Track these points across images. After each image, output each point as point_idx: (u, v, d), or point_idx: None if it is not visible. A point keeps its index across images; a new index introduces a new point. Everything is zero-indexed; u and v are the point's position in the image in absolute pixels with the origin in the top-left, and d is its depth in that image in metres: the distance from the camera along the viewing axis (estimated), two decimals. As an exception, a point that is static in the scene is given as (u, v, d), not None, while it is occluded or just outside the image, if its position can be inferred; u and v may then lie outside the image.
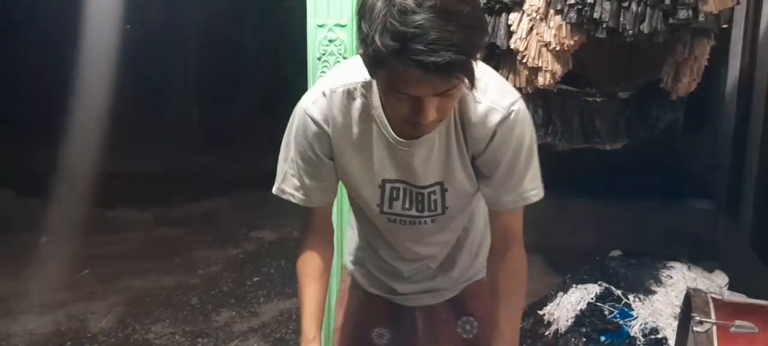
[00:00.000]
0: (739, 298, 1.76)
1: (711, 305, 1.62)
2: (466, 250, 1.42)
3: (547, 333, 2.31)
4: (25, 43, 4.98)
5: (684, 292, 1.73)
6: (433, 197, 1.24)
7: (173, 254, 3.57)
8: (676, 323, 1.84)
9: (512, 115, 1.16)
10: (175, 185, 4.31)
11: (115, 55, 4.53)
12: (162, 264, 3.43)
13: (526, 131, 1.19)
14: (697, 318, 1.56)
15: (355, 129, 1.20)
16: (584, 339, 2.19)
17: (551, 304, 2.41)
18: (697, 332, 1.53)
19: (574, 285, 2.42)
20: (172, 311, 3.00)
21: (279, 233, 3.84)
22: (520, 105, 1.18)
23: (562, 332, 2.26)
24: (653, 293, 2.30)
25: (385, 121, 1.18)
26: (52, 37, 4.59)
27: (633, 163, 3.25)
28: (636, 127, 2.44)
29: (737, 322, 1.53)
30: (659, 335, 2.15)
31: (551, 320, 2.34)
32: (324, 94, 1.19)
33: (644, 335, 2.16)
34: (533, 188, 1.23)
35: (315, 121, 1.19)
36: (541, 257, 3.05)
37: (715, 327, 1.53)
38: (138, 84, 4.83)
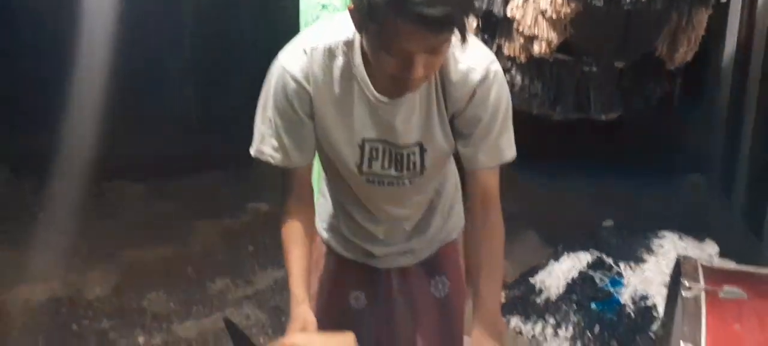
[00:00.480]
0: (729, 264, 1.78)
1: (700, 271, 1.63)
2: (439, 211, 1.45)
3: (538, 301, 2.33)
4: (21, 26, 4.91)
5: (674, 261, 1.74)
6: (412, 157, 1.26)
7: (168, 225, 3.57)
8: (665, 291, 1.86)
9: (491, 75, 1.19)
10: (171, 162, 4.30)
11: (111, 34, 4.48)
12: (157, 235, 3.43)
13: (504, 90, 1.22)
14: (687, 283, 1.57)
15: (336, 88, 1.20)
16: (575, 306, 2.21)
17: (542, 272, 2.43)
18: (686, 297, 1.55)
19: (566, 253, 2.44)
20: (167, 279, 3.01)
21: (274, 205, 3.84)
22: (497, 65, 1.21)
23: (553, 300, 2.28)
24: (644, 261, 2.32)
25: (367, 79, 1.18)
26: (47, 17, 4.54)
27: (627, 136, 3.26)
28: (631, 98, 2.44)
29: (726, 287, 1.55)
30: (649, 303, 2.18)
31: (542, 288, 2.36)
32: (305, 52, 1.19)
33: (634, 303, 2.19)
34: (509, 146, 1.26)
35: (295, 79, 1.19)
36: (533, 228, 3.06)
37: (703, 292, 1.54)
38: (135, 64, 4.78)
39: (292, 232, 1.27)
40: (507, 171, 1.33)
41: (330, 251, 1.48)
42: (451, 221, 1.49)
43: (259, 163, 1.29)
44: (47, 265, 3.07)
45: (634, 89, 2.45)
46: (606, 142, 3.28)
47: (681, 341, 1.46)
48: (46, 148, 3.96)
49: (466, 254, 1.31)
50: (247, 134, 1.31)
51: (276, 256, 3.28)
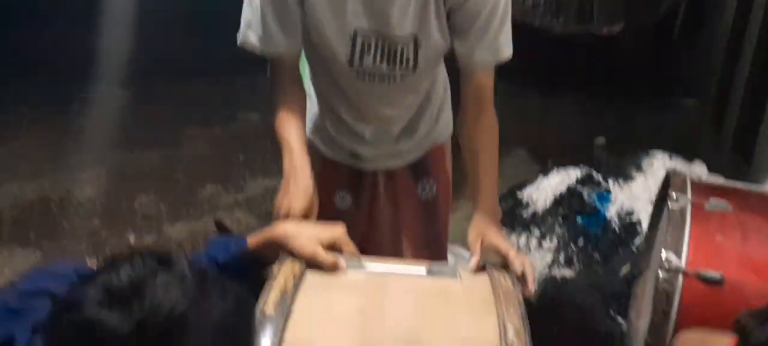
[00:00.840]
0: (717, 179, 1.80)
1: (688, 184, 1.65)
2: (428, 114, 1.44)
3: (524, 214, 2.37)
4: None
5: (663, 179, 1.76)
6: (405, 52, 1.23)
7: (157, 131, 3.54)
8: (652, 208, 1.89)
9: None
10: (158, 67, 4.21)
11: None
12: (146, 139, 3.41)
13: None
14: (674, 195, 1.59)
15: None
16: (561, 220, 2.25)
17: (531, 186, 2.45)
18: (672, 209, 1.57)
19: (556, 169, 2.46)
20: (157, 183, 3.02)
21: (264, 114, 3.81)
22: None
23: (540, 213, 2.32)
24: (632, 179, 2.35)
25: None
26: None
27: (624, 56, 3.23)
28: (635, 10, 2.38)
29: (712, 200, 1.57)
30: (634, 219, 2.22)
31: (530, 201, 2.39)
32: None
33: (619, 218, 2.23)
34: (507, 44, 1.23)
35: None
36: (525, 145, 3.08)
37: (689, 204, 1.57)
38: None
39: (287, 119, 1.25)
40: (500, 86, 1.32)
41: (315, 151, 1.46)
42: (440, 125, 1.48)
43: (244, 51, 1.26)
44: (36, 164, 3.06)
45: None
46: (602, 62, 3.25)
47: (663, 250, 1.50)
48: (35, 50, 3.87)
49: (462, 150, 1.30)
50: (236, 42, 1.28)
51: (267, 165, 3.28)
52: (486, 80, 1.26)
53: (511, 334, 0.88)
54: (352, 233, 1.42)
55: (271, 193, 3.12)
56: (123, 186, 2.95)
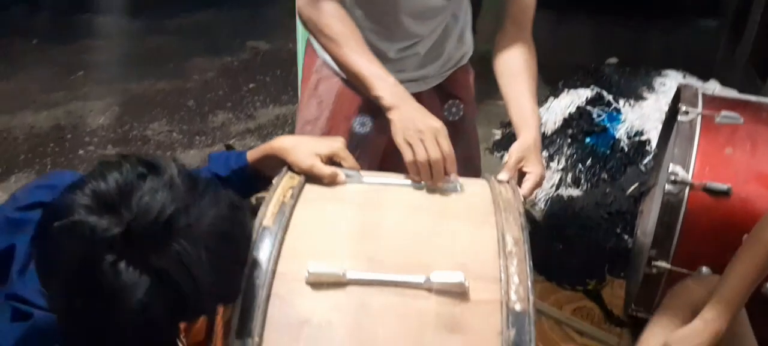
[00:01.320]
0: (730, 93, 1.76)
1: (700, 97, 1.62)
2: (454, 35, 1.40)
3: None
4: None
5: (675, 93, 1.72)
6: None
7: (167, 61, 3.53)
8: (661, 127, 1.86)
9: None
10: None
11: None
12: (156, 69, 3.41)
13: None
14: (684, 108, 1.57)
15: None
16: (569, 140, 2.23)
17: (541, 108, 2.42)
18: (681, 121, 1.55)
19: (566, 90, 2.42)
20: (169, 111, 3.04)
21: (273, 44, 3.77)
22: None
23: (549, 135, 2.30)
24: (644, 99, 2.31)
25: None
26: None
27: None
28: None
29: (723, 112, 1.55)
30: (643, 138, 2.19)
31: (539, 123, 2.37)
32: None
33: (629, 138, 2.20)
34: None
35: None
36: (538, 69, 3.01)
37: (699, 117, 1.55)
38: None
39: (354, 46, 1.14)
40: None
41: (335, 74, 1.41)
42: (464, 45, 1.44)
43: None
44: (49, 94, 3.09)
45: None
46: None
47: (671, 164, 1.49)
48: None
49: (497, 73, 1.25)
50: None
51: (277, 93, 3.28)
52: (530, 0, 1.22)
53: (509, 244, 0.88)
54: (374, 159, 1.40)
55: (282, 120, 3.14)
56: (135, 115, 2.98)
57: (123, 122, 2.92)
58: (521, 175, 1.13)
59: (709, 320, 1.13)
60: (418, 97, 1.43)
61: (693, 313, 1.19)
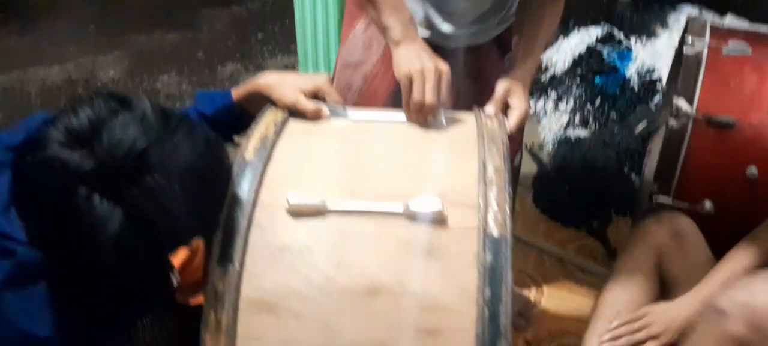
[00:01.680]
0: (741, 23, 1.69)
1: (708, 29, 1.57)
2: None
3: (542, 78, 2.30)
4: None
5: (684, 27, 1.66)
6: None
7: (175, 12, 3.52)
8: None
9: None
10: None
11: None
12: (165, 22, 3.41)
13: None
14: (690, 40, 1.52)
15: None
16: (578, 80, 2.18)
17: (550, 49, 2.36)
18: (687, 54, 1.50)
19: (576, 29, 2.35)
20: (179, 63, 3.05)
21: (282, -8, 3.74)
22: None
23: (558, 76, 2.25)
24: (656, 36, 2.23)
25: None
26: None
27: None
28: None
29: (731, 43, 1.49)
30: (654, 76, 2.13)
31: (549, 64, 2.32)
32: None
33: (639, 76, 2.15)
34: None
35: None
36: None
37: (706, 49, 1.49)
38: None
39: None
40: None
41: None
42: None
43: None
44: (59, 49, 3.11)
45: None
46: None
47: (674, 97, 1.45)
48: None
49: (521, 12, 1.23)
50: None
51: (286, 43, 3.26)
52: None
53: (490, 171, 0.88)
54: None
55: (290, 70, 3.12)
56: (145, 67, 3.00)
57: (133, 75, 2.94)
58: (507, 111, 1.11)
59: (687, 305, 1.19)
60: (476, 49, 1.33)
61: (656, 256, 1.21)
